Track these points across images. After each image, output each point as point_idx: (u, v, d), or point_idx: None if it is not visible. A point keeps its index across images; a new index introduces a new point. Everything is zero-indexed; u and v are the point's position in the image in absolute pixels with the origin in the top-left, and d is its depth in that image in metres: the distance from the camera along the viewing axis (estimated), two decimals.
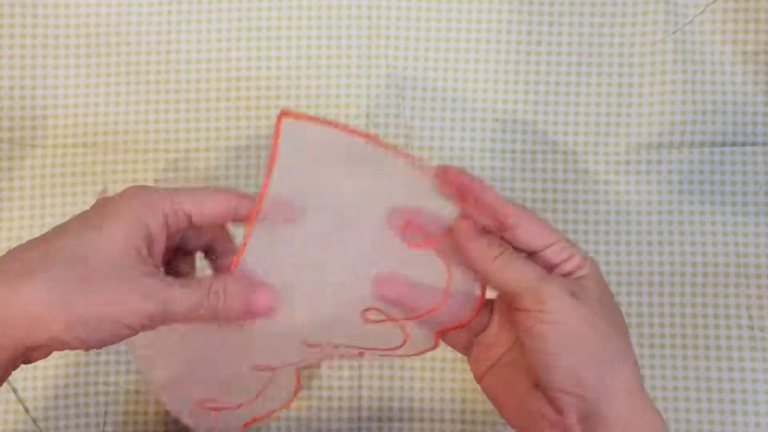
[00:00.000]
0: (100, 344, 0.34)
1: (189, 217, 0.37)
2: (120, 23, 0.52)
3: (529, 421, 0.37)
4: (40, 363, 0.50)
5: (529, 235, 0.37)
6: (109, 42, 0.52)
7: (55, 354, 0.50)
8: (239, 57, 0.52)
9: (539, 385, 0.36)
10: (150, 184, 0.45)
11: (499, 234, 0.37)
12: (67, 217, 0.51)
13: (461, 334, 0.40)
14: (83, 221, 0.35)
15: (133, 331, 0.34)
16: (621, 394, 0.35)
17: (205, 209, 0.37)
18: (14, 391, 0.50)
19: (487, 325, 0.40)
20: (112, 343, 0.35)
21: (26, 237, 0.51)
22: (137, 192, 0.36)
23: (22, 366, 0.51)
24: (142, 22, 0.52)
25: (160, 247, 0.36)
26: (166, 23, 0.52)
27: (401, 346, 0.41)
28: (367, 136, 0.38)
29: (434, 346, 0.41)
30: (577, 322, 0.35)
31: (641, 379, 0.36)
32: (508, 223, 0.37)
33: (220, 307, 0.36)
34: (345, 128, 0.38)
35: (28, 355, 0.35)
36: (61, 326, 0.33)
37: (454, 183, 0.37)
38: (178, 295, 0.35)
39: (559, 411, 0.35)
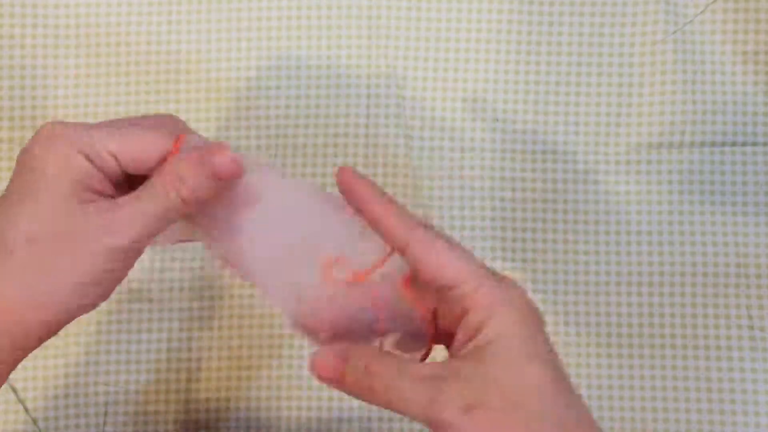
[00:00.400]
0: (105, 291, 0.33)
1: (115, 160, 0.32)
2: (120, 23, 0.52)
3: None
4: (40, 363, 0.51)
5: (432, 271, 0.31)
6: (109, 42, 0.52)
7: (56, 354, 0.50)
8: (239, 57, 0.52)
9: None
10: None
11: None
12: None
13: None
14: (10, 196, 0.32)
15: (119, 272, 0.32)
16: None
17: (134, 153, 0.32)
18: (14, 391, 0.50)
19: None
20: (117, 282, 0.33)
21: None
22: (52, 141, 0.32)
23: (23, 366, 0.51)
24: (143, 22, 0.52)
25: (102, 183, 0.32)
26: (166, 23, 0.52)
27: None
28: None
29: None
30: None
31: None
32: (406, 254, 0.32)
33: (187, 191, 0.32)
34: None
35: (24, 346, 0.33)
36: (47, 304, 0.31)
37: (346, 186, 0.33)
38: (133, 211, 0.31)
39: None
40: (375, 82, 0.52)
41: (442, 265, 0.31)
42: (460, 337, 0.31)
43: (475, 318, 0.30)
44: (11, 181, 0.32)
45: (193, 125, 0.52)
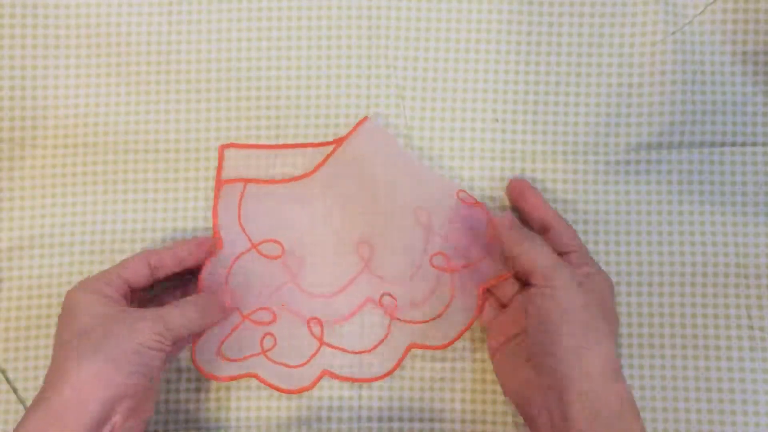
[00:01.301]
0: (143, 377, 0.42)
1: (129, 282, 0.46)
2: (120, 23, 0.52)
3: (524, 402, 0.45)
4: (41, 363, 0.51)
5: (561, 239, 0.47)
6: (110, 42, 0.52)
7: None
8: (239, 57, 0.52)
9: (531, 360, 0.44)
10: (145, 185, 0.52)
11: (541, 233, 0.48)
12: (67, 217, 0.52)
13: (490, 308, 0.49)
14: (61, 325, 0.44)
15: (156, 351, 0.43)
16: (592, 373, 0.41)
17: (136, 276, 0.46)
18: (15, 391, 0.50)
19: (509, 303, 0.48)
20: (154, 370, 0.43)
21: (26, 237, 0.51)
22: (74, 289, 0.45)
23: (23, 366, 0.51)
24: (143, 22, 0.52)
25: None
26: (166, 23, 0.52)
27: (449, 303, 0.49)
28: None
29: (479, 310, 0.49)
30: (573, 305, 0.43)
31: (618, 363, 0.43)
32: (548, 227, 0.48)
33: (209, 316, 0.47)
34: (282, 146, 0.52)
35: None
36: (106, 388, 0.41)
37: (515, 190, 0.50)
38: (168, 311, 0.44)
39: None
40: (375, 83, 0.52)
41: (570, 240, 0.48)
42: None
43: (585, 269, 0.47)
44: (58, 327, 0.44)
45: (193, 125, 0.53)
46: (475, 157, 0.52)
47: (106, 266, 0.51)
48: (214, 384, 0.51)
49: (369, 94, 0.52)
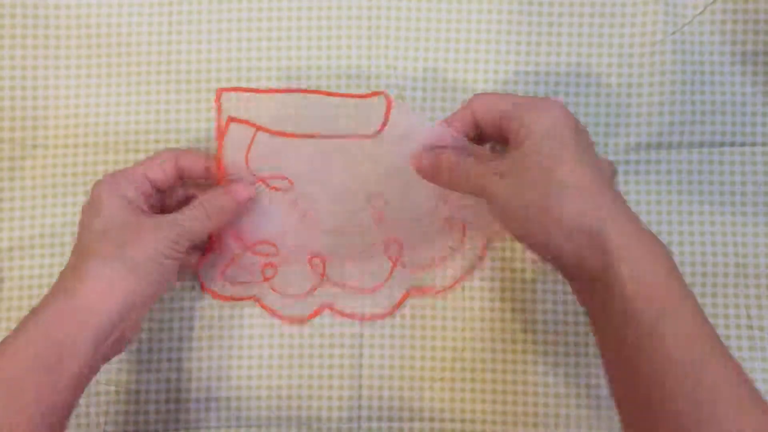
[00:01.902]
0: (158, 286, 0.44)
1: (154, 183, 0.47)
2: (120, 24, 0.52)
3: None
4: None
5: (483, 118, 0.44)
6: (110, 42, 0.52)
7: None
8: (239, 57, 0.52)
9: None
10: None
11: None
12: (68, 217, 0.52)
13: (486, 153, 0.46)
14: (86, 218, 0.45)
15: (172, 259, 0.44)
16: (617, 210, 0.39)
17: (164, 175, 0.47)
18: None
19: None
20: (167, 280, 0.45)
21: (26, 237, 0.51)
22: (101, 183, 0.46)
23: None
24: (143, 22, 0.52)
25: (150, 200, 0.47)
26: (166, 24, 0.52)
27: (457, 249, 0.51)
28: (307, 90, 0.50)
29: (482, 256, 0.51)
30: (512, 197, 0.40)
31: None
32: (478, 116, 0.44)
33: (215, 209, 0.46)
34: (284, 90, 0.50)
35: (106, 346, 0.42)
36: (123, 285, 0.42)
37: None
38: (183, 216, 0.45)
39: None
40: (375, 83, 0.52)
41: (494, 105, 0.44)
42: (509, 146, 0.43)
43: (515, 127, 0.42)
44: (81, 221, 0.45)
45: (193, 125, 0.53)
46: None
47: None
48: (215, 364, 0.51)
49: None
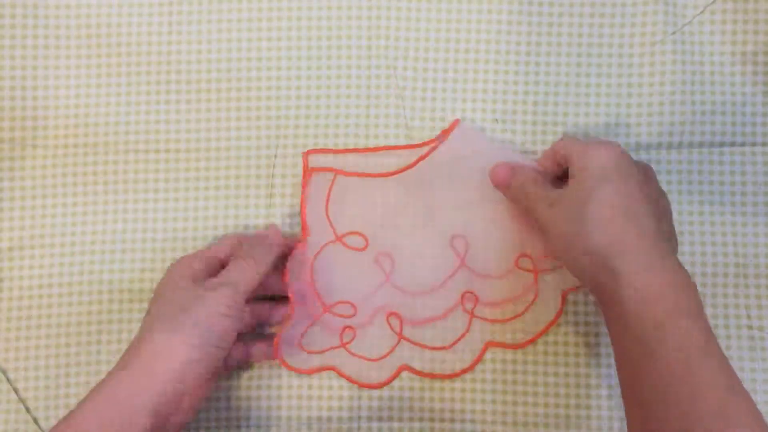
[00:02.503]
0: (218, 348, 0.44)
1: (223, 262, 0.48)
2: (120, 24, 0.52)
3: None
4: (41, 363, 0.51)
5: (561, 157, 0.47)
6: (110, 42, 0.52)
7: (57, 354, 0.50)
8: (239, 57, 0.52)
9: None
10: (145, 185, 0.52)
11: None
12: (68, 217, 0.52)
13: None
14: (155, 294, 0.47)
15: (230, 317, 0.44)
16: (636, 245, 0.41)
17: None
18: (15, 391, 0.50)
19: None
20: (227, 342, 0.44)
21: (26, 237, 0.51)
22: (175, 262, 0.48)
23: (23, 366, 0.51)
24: (143, 22, 0.52)
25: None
26: (166, 24, 0.52)
27: (531, 304, 0.50)
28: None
29: (560, 311, 0.50)
30: (554, 225, 0.44)
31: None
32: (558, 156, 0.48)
33: (258, 255, 0.47)
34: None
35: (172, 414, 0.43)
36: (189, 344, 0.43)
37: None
38: (230, 273, 0.46)
39: None
40: (375, 83, 0.52)
41: (568, 146, 0.46)
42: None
43: (572, 164, 0.45)
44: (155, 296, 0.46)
45: (193, 125, 0.53)
46: None
47: (106, 266, 0.51)
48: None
49: (369, 94, 0.52)
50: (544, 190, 0.46)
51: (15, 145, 0.52)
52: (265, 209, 0.52)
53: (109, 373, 0.43)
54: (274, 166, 0.52)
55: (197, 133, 0.52)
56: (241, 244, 0.49)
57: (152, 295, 0.47)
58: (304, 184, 0.51)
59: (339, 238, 0.51)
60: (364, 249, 0.51)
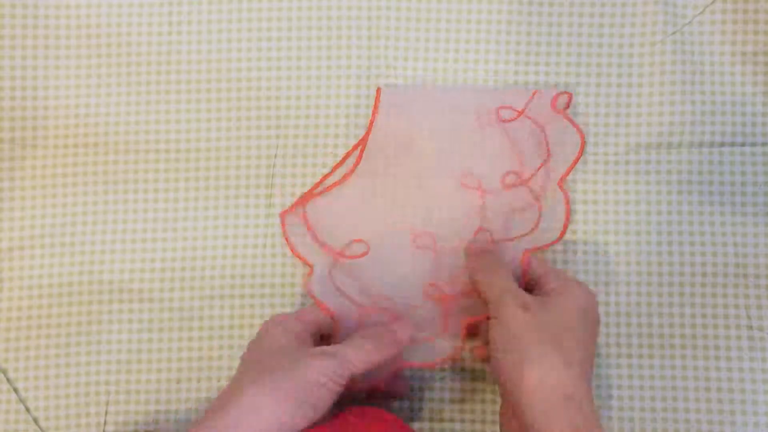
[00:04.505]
0: (311, 415, 0.41)
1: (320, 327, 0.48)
2: (120, 24, 0.52)
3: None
4: (41, 363, 0.51)
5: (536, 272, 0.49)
6: (110, 42, 0.52)
7: (57, 354, 0.51)
8: (239, 58, 0.52)
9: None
10: (145, 185, 0.50)
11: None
12: (68, 217, 0.52)
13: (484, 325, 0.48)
14: (248, 351, 0.45)
15: (328, 389, 0.42)
16: (533, 389, 0.41)
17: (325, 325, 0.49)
18: (15, 391, 0.50)
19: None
20: (322, 409, 0.42)
21: (26, 237, 0.51)
22: (268, 321, 0.46)
23: (24, 366, 0.51)
24: (143, 23, 0.52)
25: None
26: (166, 24, 0.52)
27: (439, 332, 0.50)
28: None
29: (462, 343, 0.50)
30: (515, 332, 0.43)
31: (573, 386, 0.41)
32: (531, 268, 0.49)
33: (383, 344, 0.45)
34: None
35: None
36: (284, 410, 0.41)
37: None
38: (349, 348, 0.44)
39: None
40: (375, 83, 0.52)
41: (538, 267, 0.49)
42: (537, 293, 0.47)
43: (551, 285, 0.46)
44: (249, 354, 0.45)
45: (193, 125, 0.53)
46: None
47: (106, 266, 0.51)
48: None
49: (369, 94, 0.52)
50: (515, 285, 0.46)
51: (15, 145, 0.52)
52: (265, 209, 0.52)
53: (198, 426, 0.40)
54: (274, 166, 0.52)
55: (197, 133, 0.52)
56: (335, 319, 0.48)
57: (248, 348, 0.45)
58: (285, 233, 0.51)
59: (341, 254, 0.50)
60: (366, 253, 0.51)
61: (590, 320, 0.45)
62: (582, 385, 0.41)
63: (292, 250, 0.51)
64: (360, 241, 0.51)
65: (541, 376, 0.41)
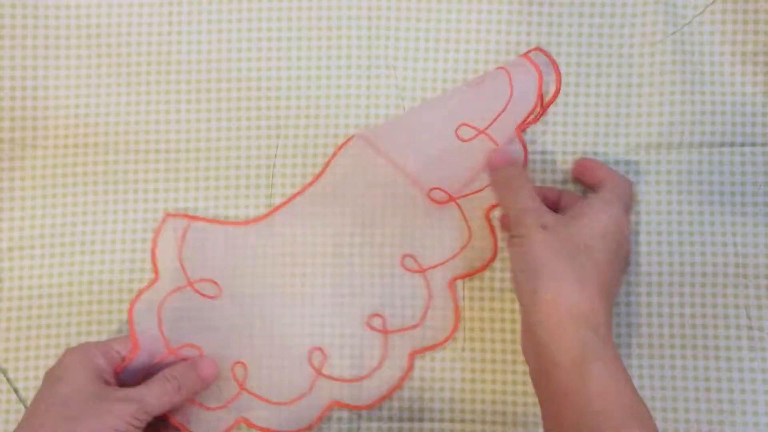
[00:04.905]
0: None
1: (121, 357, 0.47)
2: (120, 24, 0.52)
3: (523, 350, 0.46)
4: (41, 363, 0.51)
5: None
6: (110, 42, 0.52)
7: (57, 354, 0.50)
8: (239, 58, 0.52)
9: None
10: (145, 185, 0.52)
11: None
12: (68, 217, 0.52)
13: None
14: (46, 385, 0.44)
15: None
16: (545, 306, 0.42)
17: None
18: (15, 391, 0.50)
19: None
20: None
21: (26, 237, 0.51)
22: (73, 350, 0.45)
23: (24, 366, 0.51)
24: (143, 23, 0.52)
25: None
26: (166, 24, 0.52)
27: (379, 365, 0.50)
28: None
29: (407, 372, 0.50)
30: (533, 248, 0.43)
31: (584, 307, 0.42)
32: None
33: (185, 384, 0.46)
34: None
35: None
36: None
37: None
38: (150, 391, 0.44)
39: None
40: (375, 83, 0.52)
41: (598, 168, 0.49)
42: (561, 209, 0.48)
43: (576, 206, 0.46)
44: (45, 379, 0.44)
45: (193, 125, 0.53)
46: None
47: (106, 266, 0.51)
48: None
49: (369, 94, 0.52)
50: (538, 203, 0.46)
51: (15, 145, 0.52)
52: (265, 209, 0.52)
53: None
54: (274, 165, 0.52)
55: (197, 133, 0.52)
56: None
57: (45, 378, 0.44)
58: (159, 228, 0.51)
59: (191, 284, 0.50)
60: (216, 296, 0.50)
61: (611, 242, 0.44)
62: (598, 307, 0.42)
63: (153, 252, 0.50)
64: (213, 282, 0.50)
65: (554, 295, 0.42)
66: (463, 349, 0.51)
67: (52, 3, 0.52)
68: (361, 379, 0.50)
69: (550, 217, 0.44)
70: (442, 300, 0.50)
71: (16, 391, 0.50)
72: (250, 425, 0.49)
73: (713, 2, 0.51)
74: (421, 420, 0.50)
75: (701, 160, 0.51)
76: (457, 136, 0.50)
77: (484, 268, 0.50)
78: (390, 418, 0.50)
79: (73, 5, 0.52)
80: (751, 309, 0.50)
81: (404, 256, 0.50)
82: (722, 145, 0.51)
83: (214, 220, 0.51)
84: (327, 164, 0.51)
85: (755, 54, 0.51)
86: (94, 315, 0.51)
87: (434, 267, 0.50)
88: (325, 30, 0.52)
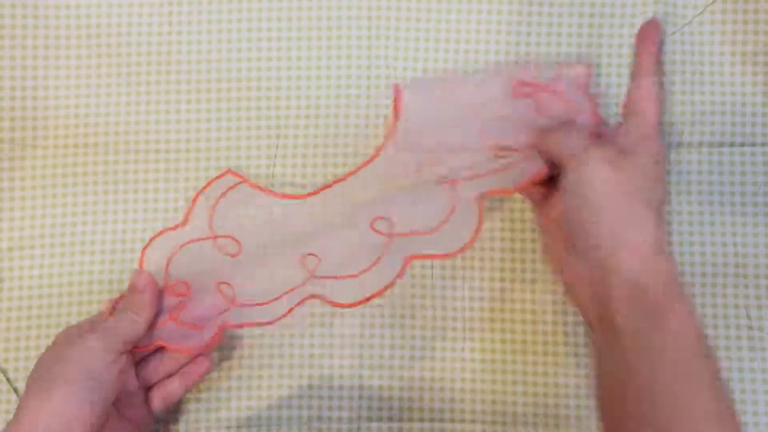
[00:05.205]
0: (99, 398, 0.42)
1: None
2: (120, 24, 0.52)
3: (575, 295, 0.45)
4: None
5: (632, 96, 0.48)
6: (110, 42, 0.52)
7: None
8: (239, 58, 0.52)
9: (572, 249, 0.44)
10: (145, 185, 0.52)
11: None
12: (68, 217, 0.52)
13: (539, 187, 0.47)
14: (66, 346, 0.44)
15: (105, 370, 0.43)
16: (630, 250, 0.41)
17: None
18: (15, 391, 0.50)
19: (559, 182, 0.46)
20: (110, 390, 0.43)
21: (26, 237, 0.51)
22: (67, 327, 0.46)
23: (24, 366, 0.51)
24: (143, 23, 0.52)
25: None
26: (166, 24, 0.52)
27: (447, 217, 0.47)
28: None
29: (479, 224, 0.46)
30: (606, 188, 0.42)
31: (660, 238, 0.42)
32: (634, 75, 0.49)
33: (145, 313, 0.47)
34: None
35: None
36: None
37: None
38: (117, 324, 0.45)
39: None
40: (375, 83, 0.52)
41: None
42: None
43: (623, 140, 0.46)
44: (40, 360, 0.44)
45: (193, 125, 0.53)
46: None
47: (106, 266, 0.51)
48: None
49: (369, 94, 0.52)
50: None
51: (15, 145, 0.52)
52: None
53: None
54: (274, 165, 0.52)
55: (197, 133, 0.52)
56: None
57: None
58: (210, 182, 0.51)
59: (213, 237, 0.50)
60: (236, 255, 0.49)
61: (658, 174, 0.44)
62: (666, 243, 0.43)
63: (194, 200, 0.50)
64: (235, 240, 0.50)
65: (639, 236, 0.42)
66: (463, 349, 0.51)
67: (52, 3, 0.52)
68: (348, 276, 0.48)
69: (613, 152, 0.44)
70: (465, 213, 0.47)
71: (16, 391, 0.50)
72: (232, 327, 0.49)
73: (713, 2, 0.51)
74: (421, 420, 0.50)
75: (701, 160, 0.51)
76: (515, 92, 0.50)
77: (522, 187, 0.47)
78: (390, 418, 0.50)
79: (73, 5, 0.52)
80: (751, 309, 0.50)
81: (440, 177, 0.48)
82: (722, 145, 0.51)
83: (265, 189, 0.51)
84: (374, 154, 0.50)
85: (755, 54, 0.51)
86: (94, 315, 0.51)
87: (468, 179, 0.48)
88: (325, 30, 0.52)
